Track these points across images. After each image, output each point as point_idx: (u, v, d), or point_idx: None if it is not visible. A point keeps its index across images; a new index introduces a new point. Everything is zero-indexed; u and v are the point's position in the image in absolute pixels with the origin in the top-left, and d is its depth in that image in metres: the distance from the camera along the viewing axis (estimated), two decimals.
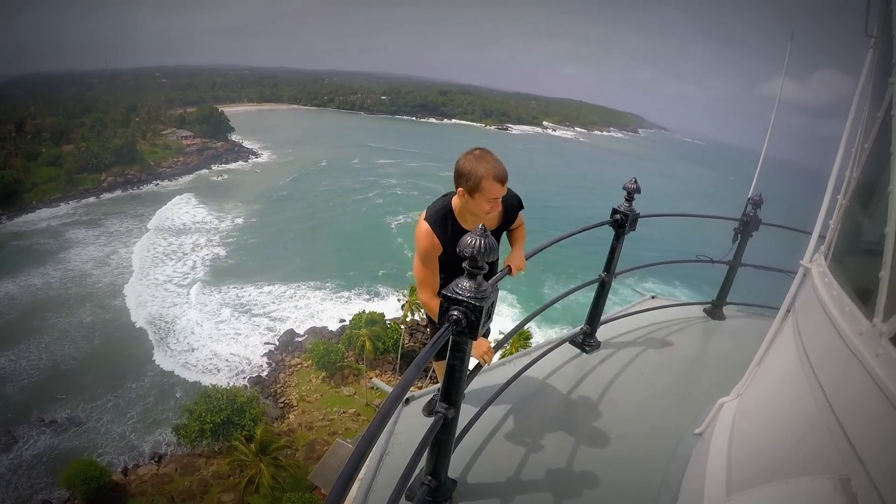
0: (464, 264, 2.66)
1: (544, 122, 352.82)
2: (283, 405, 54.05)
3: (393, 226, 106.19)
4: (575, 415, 4.96)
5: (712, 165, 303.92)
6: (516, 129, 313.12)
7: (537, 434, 4.52)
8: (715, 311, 7.74)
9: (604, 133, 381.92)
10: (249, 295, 74.39)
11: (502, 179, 3.48)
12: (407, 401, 4.64)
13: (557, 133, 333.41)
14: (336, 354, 55.02)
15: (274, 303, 72.96)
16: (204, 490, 43.69)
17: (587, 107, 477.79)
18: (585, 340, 6.05)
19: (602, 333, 6.24)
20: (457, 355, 2.92)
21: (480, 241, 2.58)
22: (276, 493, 40.30)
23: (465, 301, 2.64)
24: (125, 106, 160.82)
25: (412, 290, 58.09)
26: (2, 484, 44.00)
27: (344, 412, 52.33)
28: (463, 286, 2.68)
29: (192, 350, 61.92)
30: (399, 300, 60.13)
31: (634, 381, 5.62)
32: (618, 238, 5.51)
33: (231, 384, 52.82)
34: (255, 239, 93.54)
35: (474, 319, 2.67)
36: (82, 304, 68.76)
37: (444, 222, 3.76)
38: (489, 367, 5.10)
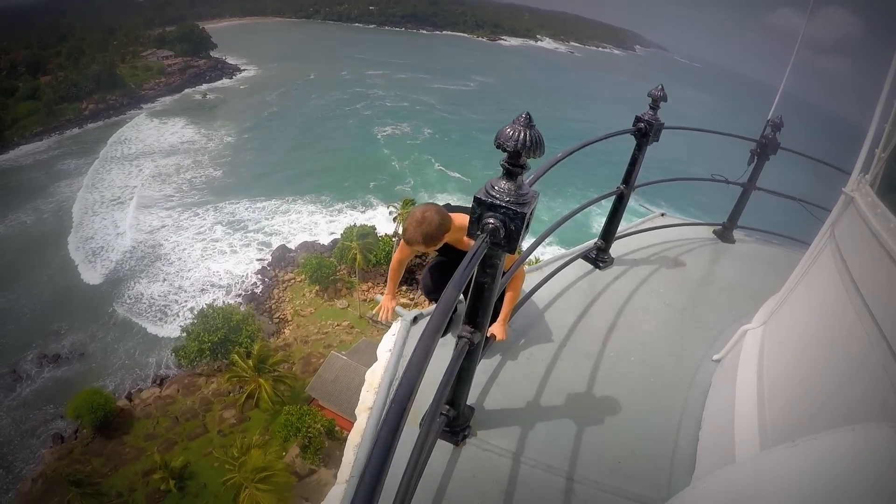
0: (502, 161, 2.33)
1: (538, 35, 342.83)
2: (278, 320, 54.82)
3: (380, 137, 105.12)
4: (592, 334, 4.81)
5: (709, 89, 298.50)
6: (509, 41, 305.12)
7: (554, 355, 4.41)
8: (725, 233, 7.62)
9: (600, 49, 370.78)
10: (242, 212, 74.10)
11: (409, 242, 3.78)
12: (415, 319, 4.39)
13: (551, 47, 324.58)
14: (328, 268, 55.54)
15: (266, 218, 72.86)
16: (206, 408, 44.79)
17: (583, 21, 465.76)
18: (599, 256, 5.93)
19: (613, 249, 6.12)
20: (488, 271, 2.63)
21: (524, 134, 2.22)
22: (275, 407, 41.31)
23: (504, 206, 2.30)
24: (101, 30, 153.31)
25: (405, 203, 58.22)
26: (10, 421, 44.83)
27: (338, 325, 53.23)
28: (501, 187, 2.34)
29: (187, 270, 62.14)
30: (391, 212, 59.77)
31: (649, 300, 5.54)
32: (640, 148, 5.28)
33: (226, 302, 53.14)
34: (248, 156, 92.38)
35: (514, 229, 2.34)
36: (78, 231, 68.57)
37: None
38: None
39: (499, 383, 3.99)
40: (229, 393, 45.16)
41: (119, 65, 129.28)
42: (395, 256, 4.44)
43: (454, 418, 3.30)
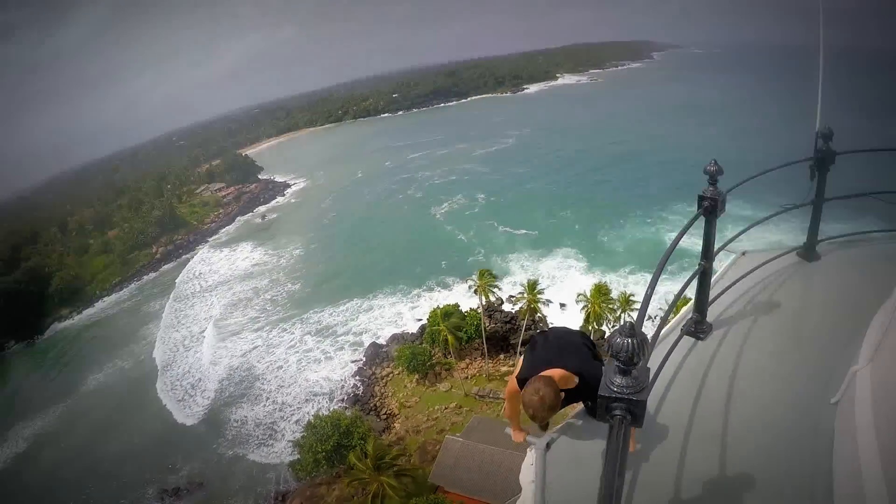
0: (616, 364, 2.70)
1: (556, 74, 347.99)
2: (385, 416, 54.48)
3: (438, 216, 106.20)
4: (710, 409, 4.64)
5: (730, 69, 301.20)
6: (531, 88, 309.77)
7: (681, 444, 4.28)
8: (808, 252, 7.30)
9: (619, 68, 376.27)
10: (328, 319, 74.90)
11: (542, 420, 3.97)
12: (548, 446, 4.45)
13: (572, 81, 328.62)
14: (423, 355, 55.37)
15: (352, 320, 73.49)
16: None
17: (595, 47, 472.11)
18: (698, 328, 5.75)
19: (710, 313, 5.90)
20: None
21: (631, 343, 2.65)
22: (403, 502, 40.42)
23: (626, 399, 2.67)
24: (154, 178, 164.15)
25: (481, 274, 57.98)
26: None
27: (446, 408, 52.62)
28: (620, 383, 2.69)
29: (287, 386, 62.63)
30: (470, 286, 59.68)
31: (758, 357, 5.34)
32: (709, 224, 5.10)
33: (331, 409, 53.19)
34: (320, 265, 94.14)
35: (637, 412, 2.68)
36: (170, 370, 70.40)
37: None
38: None
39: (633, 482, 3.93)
40: (353, 497, 44.66)
41: (177, 206, 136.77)
42: (509, 390, 4.66)
43: None
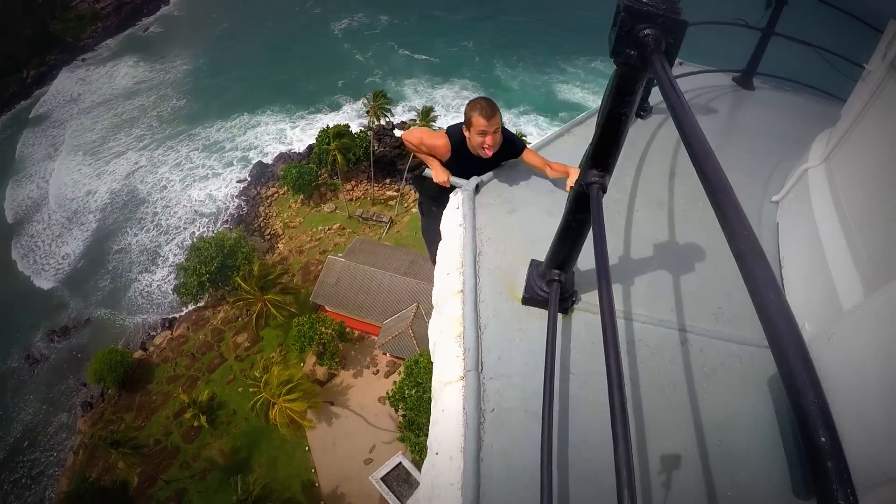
0: None
1: None
2: (269, 237, 54.16)
3: (336, 31, 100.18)
4: (657, 183, 4.68)
5: None
6: None
7: (628, 206, 4.26)
8: (744, 80, 7.38)
9: None
10: (215, 134, 71.64)
11: (489, 115, 4.20)
12: (477, 188, 4.19)
13: None
14: (309, 174, 54.09)
15: (239, 136, 70.52)
16: (219, 338, 45.34)
17: None
18: (642, 105, 5.73)
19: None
20: (627, 99, 2.16)
21: None
22: (285, 321, 41.26)
23: (663, 15, 1.83)
24: None
25: (375, 95, 55.81)
26: (38, 403, 45.52)
27: (329, 229, 52.62)
28: None
29: (173, 207, 60.89)
30: (364, 105, 57.47)
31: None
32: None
33: (215, 231, 52.37)
34: (209, 79, 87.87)
35: (673, 42, 1.86)
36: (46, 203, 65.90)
37: (459, 138, 4.54)
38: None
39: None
40: (238, 318, 45.31)
41: (51, 22, 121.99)
42: (425, 140, 4.77)
43: (565, 283, 3.02)
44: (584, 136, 5.09)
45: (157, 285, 52.31)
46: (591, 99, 75.85)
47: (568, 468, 2.53)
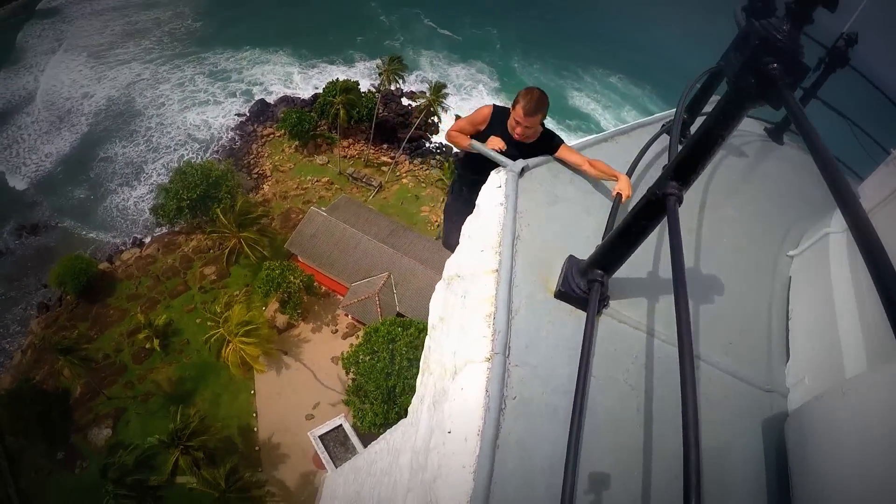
0: (790, 2, 1.97)
1: None
2: (257, 176, 53.58)
3: None
4: (697, 214, 4.74)
5: None
6: None
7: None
8: (776, 133, 7.26)
9: None
10: (224, 63, 70.47)
11: (529, 113, 4.37)
12: (522, 171, 4.07)
13: None
14: (308, 123, 53.45)
15: (247, 69, 69.50)
16: (186, 266, 44.94)
17: None
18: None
19: None
20: (729, 123, 2.29)
21: None
22: (256, 263, 41.15)
23: (791, 55, 1.94)
24: None
25: (391, 59, 55.10)
26: None
27: (317, 181, 52.19)
28: (786, 32, 1.96)
29: (164, 125, 60.03)
30: (378, 66, 56.79)
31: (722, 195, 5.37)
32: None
33: (205, 159, 51.80)
34: (231, 9, 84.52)
35: (790, 82, 1.97)
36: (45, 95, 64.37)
37: (503, 115, 4.69)
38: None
39: None
40: (209, 250, 45.06)
41: None
42: (470, 116, 4.93)
43: (606, 285, 3.07)
44: (626, 146, 5.10)
45: (134, 202, 51.59)
46: (601, 111, 75.92)
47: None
